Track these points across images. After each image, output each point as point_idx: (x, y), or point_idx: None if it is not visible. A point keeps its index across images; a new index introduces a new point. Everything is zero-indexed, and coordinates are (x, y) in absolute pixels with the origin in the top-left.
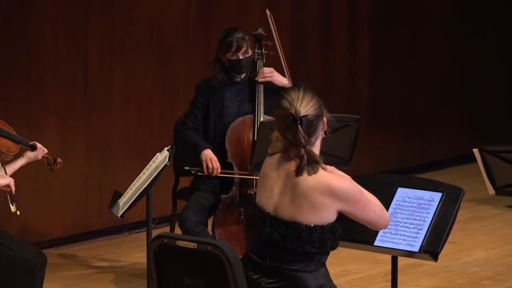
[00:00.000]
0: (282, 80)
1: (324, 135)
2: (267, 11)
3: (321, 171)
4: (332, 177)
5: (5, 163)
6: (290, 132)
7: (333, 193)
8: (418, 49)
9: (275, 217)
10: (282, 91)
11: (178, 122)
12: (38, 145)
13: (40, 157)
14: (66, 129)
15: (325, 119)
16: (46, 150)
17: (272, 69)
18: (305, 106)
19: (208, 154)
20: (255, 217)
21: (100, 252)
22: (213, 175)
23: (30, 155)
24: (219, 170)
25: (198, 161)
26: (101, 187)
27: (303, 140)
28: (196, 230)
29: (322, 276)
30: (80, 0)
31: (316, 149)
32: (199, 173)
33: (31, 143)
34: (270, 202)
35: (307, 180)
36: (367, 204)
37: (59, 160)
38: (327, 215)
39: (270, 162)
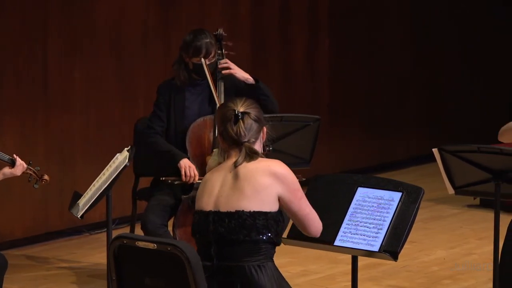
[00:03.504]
0: (243, 74)
1: (263, 151)
2: (202, 60)
3: (260, 158)
4: (273, 161)
5: None
6: (231, 127)
7: (273, 173)
8: (378, 49)
9: (217, 212)
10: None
11: (138, 124)
12: (18, 161)
13: (18, 173)
14: (26, 129)
15: (265, 128)
16: (25, 166)
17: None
18: (246, 106)
19: (187, 162)
20: (197, 223)
21: (60, 253)
22: (189, 183)
23: (5, 172)
24: (197, 178)
25: (157, 162)
26: (61, 187)
27: (243, 134)
28: (159, 232)
29: (271, 270)
30: (39, 0)
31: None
32: (176, 182)
33: (9, 157)
34: (210, 200)
35: (248, 165)
36: (305, 198)
37: (45, 177)
38: (268, 199)
39: (211, 172)
